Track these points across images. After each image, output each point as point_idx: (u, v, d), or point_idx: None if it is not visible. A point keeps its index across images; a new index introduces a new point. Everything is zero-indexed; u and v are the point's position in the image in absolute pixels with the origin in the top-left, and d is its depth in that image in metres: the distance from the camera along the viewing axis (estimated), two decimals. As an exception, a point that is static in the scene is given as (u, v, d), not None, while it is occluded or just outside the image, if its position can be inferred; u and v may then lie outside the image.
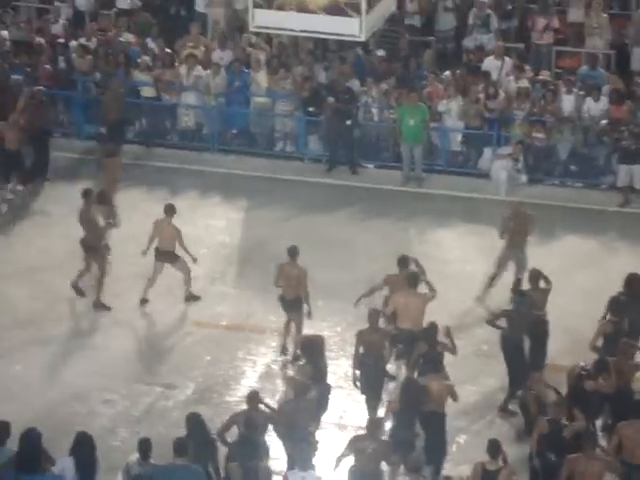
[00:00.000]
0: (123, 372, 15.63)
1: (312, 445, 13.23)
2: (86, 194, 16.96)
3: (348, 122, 20.35)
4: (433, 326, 14.35)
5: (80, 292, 16.93)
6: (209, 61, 21.55)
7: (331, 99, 20.41)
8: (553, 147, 20.04)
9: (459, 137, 20.51)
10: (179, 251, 16.75)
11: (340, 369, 15.52)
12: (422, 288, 15.26)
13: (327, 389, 14.47)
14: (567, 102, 20.07)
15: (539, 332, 14.94)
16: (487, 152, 20.22)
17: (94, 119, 21.19)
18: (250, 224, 19.08)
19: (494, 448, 12.65)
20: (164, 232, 16.68)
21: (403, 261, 15.50)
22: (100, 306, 16.72)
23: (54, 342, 16.15)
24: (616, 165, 19.40)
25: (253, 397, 13.39)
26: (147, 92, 21.52)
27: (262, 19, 20.54)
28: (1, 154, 19.42)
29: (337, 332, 16.33)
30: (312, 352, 14.43)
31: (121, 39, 22.06)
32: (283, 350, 15.93)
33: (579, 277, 17.17)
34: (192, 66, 21.28)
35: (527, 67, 20.79)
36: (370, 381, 14.48)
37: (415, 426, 13.55)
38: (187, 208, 19.09)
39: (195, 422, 12.89)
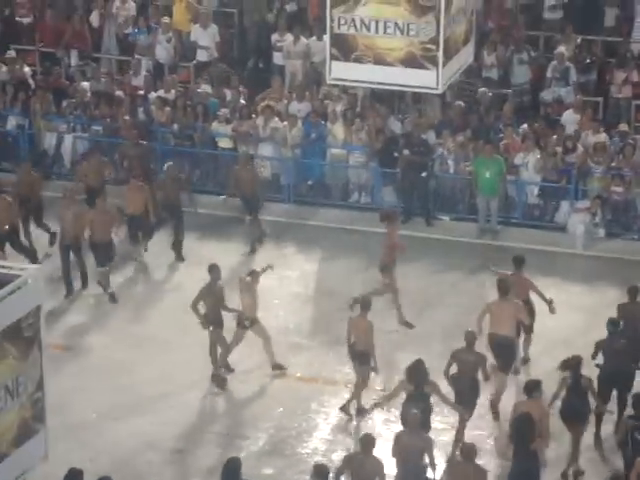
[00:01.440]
0: (196, 422, 15.64)
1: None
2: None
3: (423, 174, 20.33)
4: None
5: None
6: (286, 113, 21.73)
7: (406, 151, 20.42)
8: (632, 201, 19.81)
9: (536, 190, 20.37)
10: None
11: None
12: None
13: (429, 409, 14.49)
14: (646, 156, 19.89)
15: None
16: (564, 205, 20.05)
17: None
18: (324, 275, 19.08)
19: None
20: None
21: None
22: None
23: (129, 391, 16.23)
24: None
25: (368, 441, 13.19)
26: (224, 143, 21.73)
27: (339, 71, 20.70)
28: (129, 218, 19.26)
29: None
30: (414, 375, 14.44)
31: (199, 90, 22.35)
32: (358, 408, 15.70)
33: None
34: (269, 118, 21.46)
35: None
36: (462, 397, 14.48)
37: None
38: (264, 259, 19.18)
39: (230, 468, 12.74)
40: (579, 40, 22.01)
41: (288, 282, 18.76)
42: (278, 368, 16.56)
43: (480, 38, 22.00)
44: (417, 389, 14.51)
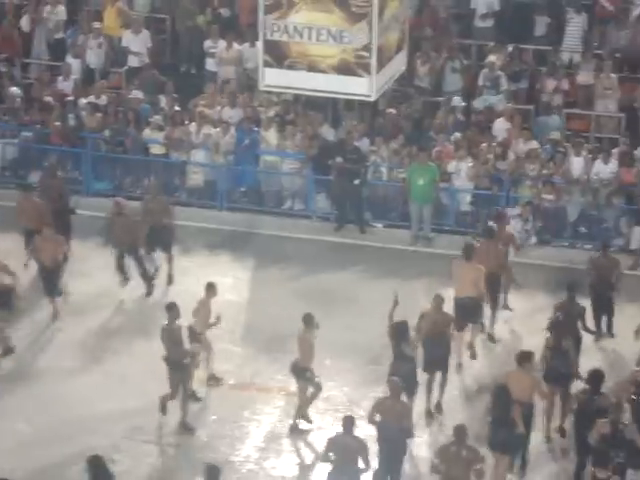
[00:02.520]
0: (128, 430, 15.45)
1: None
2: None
3: (356, 181, 20.36)
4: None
5: None
6: (219, 119, 21.61)
7: (339, 159, 20.43)
8: (562, 209, 19.99)
9: (468, 197, 20.48)
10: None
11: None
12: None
13: (413, 368, 14.99)
14: (576, 164, 20.05)
15: None
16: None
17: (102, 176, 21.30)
18: (258, 282, 19.00)
19: None
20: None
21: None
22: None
23: (56, 402, 15.98)
24: (629, 227, 19.32)
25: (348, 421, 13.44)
26: (156, 149, 21.56)
27: (272, 78, 20.65)
28: None
29: (344, 392, 16.18)
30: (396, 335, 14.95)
31: (131, 96, 22.16)
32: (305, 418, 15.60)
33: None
34: (202, 124, 21.34)
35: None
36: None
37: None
38: (195, 266, 19.06)
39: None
40: (510, 49, 22.19)
41: (221, 289, 18.53)
42: (214, 380, 16.40)
43: (413, 46, 22.08)
44: (398, 347, 14.97)
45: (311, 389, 15.36)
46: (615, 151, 20.11)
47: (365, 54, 19.98)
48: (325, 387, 15.74)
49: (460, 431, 13.31)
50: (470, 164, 20.30)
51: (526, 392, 14.29)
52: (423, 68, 22.17)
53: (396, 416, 13.97)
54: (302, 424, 15.49)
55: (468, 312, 16.49)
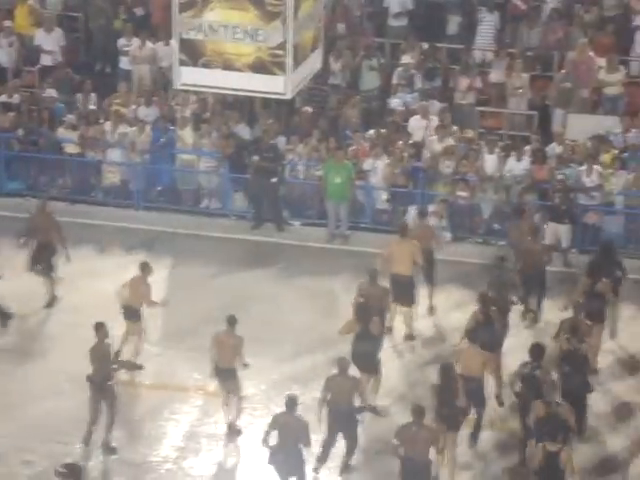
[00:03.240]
0: (43, 432, 15.29)
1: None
2: None
3: (273, 180, 20.38)
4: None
5: None
6: (135, 118, 21.48)
7: (256, 157, 20.44)
8: (476, 206, 20.22)
9: (384, 195, 20.62)
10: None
11: (264, 427, 15.30)
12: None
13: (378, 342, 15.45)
14: (490, 161, 20.30)
15: None
16: (412, 210, 20.33)
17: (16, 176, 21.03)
18: (175, 282, 18.91)
19: None
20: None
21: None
22: None
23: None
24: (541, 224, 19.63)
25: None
26: (71, 149, 21.35)
27: (187, 77, 20.58)
28: None
29: (261, 390, 16.19)
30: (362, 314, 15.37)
31: (45, 95, 21.92)
32: (230, 428, 15.49)
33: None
34: (117, 123, 21.20)
35: (455, 127, 20.98)
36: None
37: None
38: (111, 266, 18.91)
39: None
40: (424, 47, 22.38)
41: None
42: (136, 368, 16.33)
43: (328, 44, 22.17)
44: (363, 328, 15.24)
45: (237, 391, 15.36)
46: (527, 148, 20.39)
47: (280, 53, 20.00)
48: (243, 385, 15.71)
49: (418, 411, 13.50)
50: (386, 162, 20.45)
51: (476, 367, 14.65)
52: (336, 65, 22.28)
53: (346, 392, 14.23)
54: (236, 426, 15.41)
55: (401, 289, 16.90)
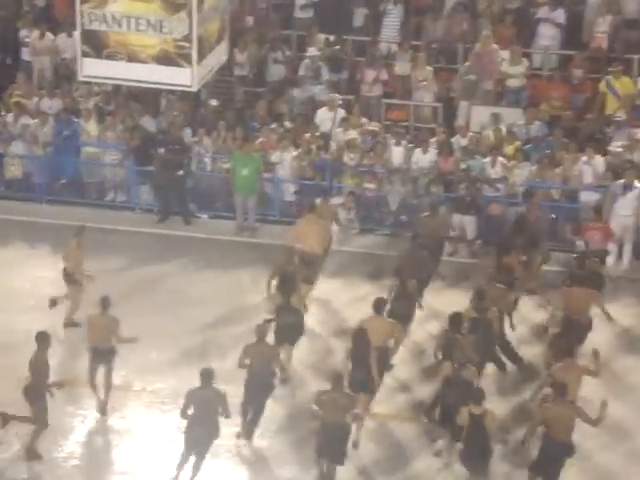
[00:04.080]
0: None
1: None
2: None
3: (180, 173, 20.23)
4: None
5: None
6: (37, 110, 21.15)
7: (162, 149, 20.26)
8: (384, 197, 20.32)
9: (292, 187, 20.61)
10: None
11: (173, 422, 15.24)
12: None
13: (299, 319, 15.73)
14: (396, 154, 20.41)
15: None
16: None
17: None
18: (80, 276, 18.65)
19: None
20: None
21: None
22: None
23: None
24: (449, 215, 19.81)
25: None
26: (-28, 141, 20.99)
27: (91, 68, 20.34)
28: None
29: (170, 384, 16.04)
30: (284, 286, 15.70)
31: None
32: (102, 410, 15.42)
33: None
34: (19, 115, 20.85)
35: (364, 119, 21.05)
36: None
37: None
38: (15, 260, 18.60)
39: None
40: (330, 39, 22.41)
41: (42, 283, 18.23)
42: (72, 324, 16.26)
43: (234, 36, 22.06)
44: (285, 300, 15.58)
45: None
46: (433, 140, 20.55)
47: (186, 44, 19.86)
48: (151, 380, 15.66)
49: (336, 378, 13.81)
50: (294, 154, 20.44)
51: (382, 337, 15.00)
52: (242, 57, 22.20)
53: (265, 359, 14.54)
54: None
55: (306, 267, 17.10)
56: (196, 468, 14.12)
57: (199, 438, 13.93)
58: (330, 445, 13.71)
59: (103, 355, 15.30)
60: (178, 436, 14.91)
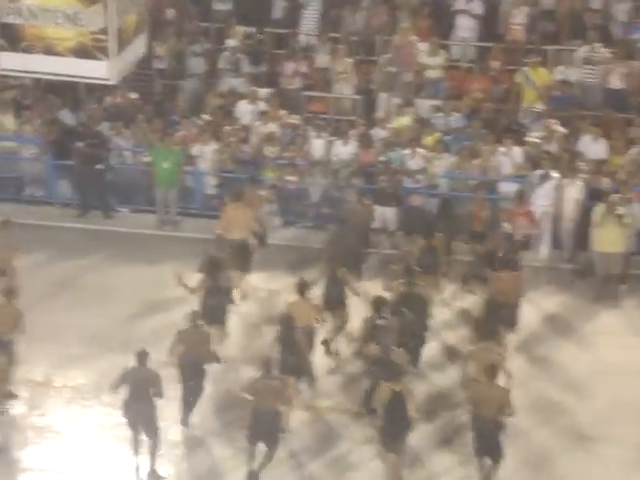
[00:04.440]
0: None
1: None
2: None
3: (99, 166, 20.07)
4: None
5: None
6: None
7: (81, 143, 20.09)
8: (305, 190, 20.35)
9: (213, 180, 20.55)
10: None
11: (95, 418, 15.14)
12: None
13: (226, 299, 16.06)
14: (317, 146, 20.44)
15: None
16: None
17: None
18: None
19: None
20: None
21: None
22: None
23: None
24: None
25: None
26: None
27: (8, 62, 20.10)
28: None
29: (91, 379, 15.93)
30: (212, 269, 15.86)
31: None
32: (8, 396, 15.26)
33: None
34: None
35: (284, 112, 21.05)
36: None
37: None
38: None
39: None
40: (249, 31, 22.36)
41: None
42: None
43: (153, 29, 21.92)
44: (214, 283, 15.79)
45: None
46: (353, 132, 20.61)
47: (103, 37, 19.70)
48: (72, 375, 15.55)
49: (267, 363, 13.98)
50: (214, 147, 20.37)
51: (307, 318, 15.27)
52: (161, 49, 22.08)
53: (197, 344, 14.63)
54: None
55: (236, 254, 17.18)
56: (152, 451, 14.15)
57: (140, 417, 14.01)
58: (263, 431, 13.83)
59: (4, 346, 15.09)
60: (100, 432, 14.88)
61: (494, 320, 15.29)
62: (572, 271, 18.64)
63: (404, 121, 20.64)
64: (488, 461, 13.87)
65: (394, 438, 13.80)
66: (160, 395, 14.07)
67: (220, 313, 16.05)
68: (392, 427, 13.74)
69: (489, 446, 13.74)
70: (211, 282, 15.95)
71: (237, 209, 17.71)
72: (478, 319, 15.50)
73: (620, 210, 17.84)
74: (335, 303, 16.25)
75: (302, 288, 15.57)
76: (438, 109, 20.96)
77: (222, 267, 16.08)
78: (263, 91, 21.43)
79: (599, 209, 17.92)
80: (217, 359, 15.46)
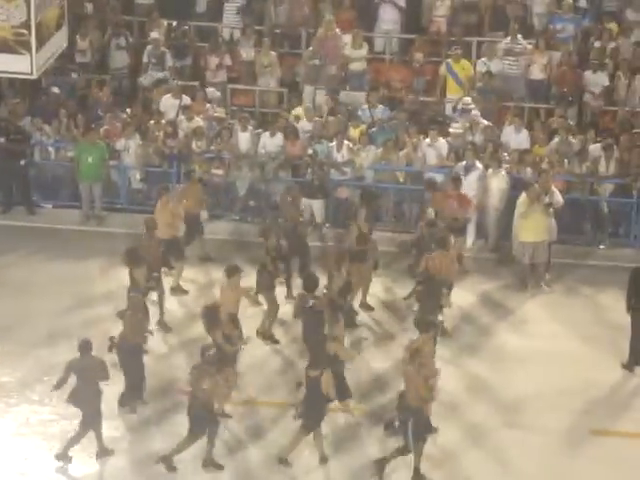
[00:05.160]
0: None
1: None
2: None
3: (22, 162, 19.86)
4: None
5: None
6: None
7: (2, 139, 19.85)
8: (232, 183, 20.30)
9: (138, 175, 20.42)
10: None
11: (21, 416, 14.98)
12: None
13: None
14: (243, 139, 20.39)
15: None
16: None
17: None
18: None
19: None
20: None
21: None
22: None
23: None
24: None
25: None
26: None
27: None
28: None
29: (17, 377, 15.74)
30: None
31: None
32: None
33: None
34: None
35: (208, 105, 20.98)
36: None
37: None
38: None
39: None
40: (173, 25, 22.25)
41: None
42: None
43: (75, 23, 21.70)
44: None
45: None
46: (279, 125, 20.57)
47: (24, 31, 19.39)
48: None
49: (204, 350, 14.08)
50: (139, 142, 20.24)
51: (237, 302, 15.37)
52: (83, 43, 21.89)
53: (137, 330, 14.73)
54: None
55: (168, 250, 17.22)
56: (98, 438, 14.16)
57: (86, 407, 13.98)
58: (202, 418, 13.87)
59: None
60: (27, 430, 14.72)
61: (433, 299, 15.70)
62: (497, 260, 18.84)
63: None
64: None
65: (310, 422, 14.02)
66: (107, 377, 14.11)
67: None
68: (309, 412, 13.99)
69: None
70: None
71: (164, 205, 17.56)
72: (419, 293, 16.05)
73: (546, 199, 18.04)
74: (265, 288, 16.44)
75: (232, 272, 15.51)
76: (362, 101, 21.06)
77: (139, 260, 15.77)
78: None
79: (523, 200, 18.11)
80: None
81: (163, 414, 15.01)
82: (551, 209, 18.10)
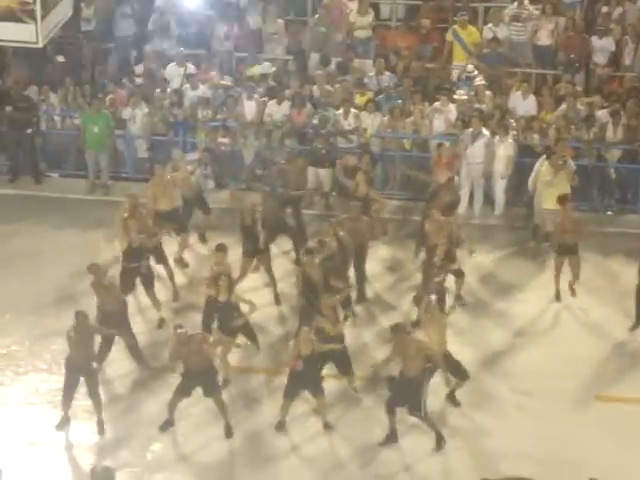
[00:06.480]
0: None
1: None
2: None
3: (28, 131, 19.85)
4: None
5: None
6: None
7: (9, 108, 19.83)
8: (238, 152, 20.26)
9: (145, 144, 20.40)
10: None
11: (30, 384, 15.05)
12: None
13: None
14: (249, 107, 20.33)
15: None
16: (174, 158, 20.18)
17: None
18: None
19: None
20: None
21: None
22: None
23: None
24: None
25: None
26: None
27: None
28: None
29: (25, 346, 15.83)
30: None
31: None
32: None
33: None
34: None
35: (213, 72, 20.93)
36: None
37: None
38: None
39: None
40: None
41: None
42: None
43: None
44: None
45: None
46: (286, 93, 20.52)
47: (29, 0, 19.38)
48: (4, 343, 15.40)
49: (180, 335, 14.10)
50: (145, 110, 20.21)
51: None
52: (88, 11, 21.82)
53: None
54: None
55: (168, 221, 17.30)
56: (98, 409, 14.23)
57: (83, 374, 14.13)
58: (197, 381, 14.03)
59: None
60: (35, 399, 14.79)
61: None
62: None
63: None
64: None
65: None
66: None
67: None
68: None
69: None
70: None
71: (160, 178, 17.46)
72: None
73: (571, 165, 17.96)
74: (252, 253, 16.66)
75: (220, 246, 15.63)
76: (369, 68, 20.98)
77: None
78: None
79: (547, 168, 17.97)
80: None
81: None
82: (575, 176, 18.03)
